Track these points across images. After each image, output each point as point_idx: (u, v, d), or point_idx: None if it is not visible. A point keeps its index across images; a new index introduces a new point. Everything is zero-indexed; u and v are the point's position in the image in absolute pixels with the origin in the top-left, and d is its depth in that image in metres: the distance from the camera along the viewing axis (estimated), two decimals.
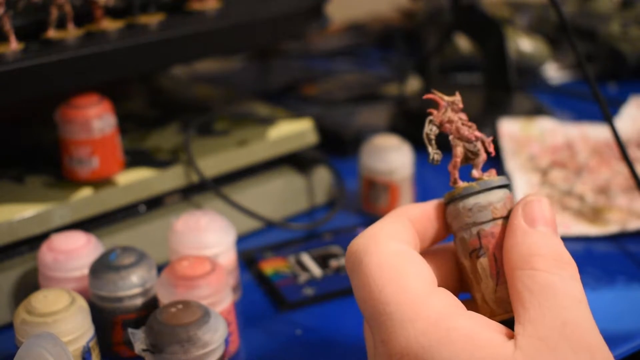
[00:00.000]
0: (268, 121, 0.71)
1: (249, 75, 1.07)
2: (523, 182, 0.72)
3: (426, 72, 0.90)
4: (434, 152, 0.44)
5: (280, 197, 0.69)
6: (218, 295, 0.50)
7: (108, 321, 0.52)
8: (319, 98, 0.97)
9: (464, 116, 0.44)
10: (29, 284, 0.56)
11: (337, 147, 0.80)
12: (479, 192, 0.41)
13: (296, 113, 0.73)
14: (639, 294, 0.59)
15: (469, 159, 0.44)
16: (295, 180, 0.70)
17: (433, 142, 0.44)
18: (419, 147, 0.76)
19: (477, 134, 0.43)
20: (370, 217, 0.70)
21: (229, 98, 0.79)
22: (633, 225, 0.65)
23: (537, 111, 0.86)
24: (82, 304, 0.48)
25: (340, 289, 0.59)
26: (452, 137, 0.44)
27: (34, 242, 0.57)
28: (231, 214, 0.62)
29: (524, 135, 0.80)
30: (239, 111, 0.74)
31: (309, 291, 0.59)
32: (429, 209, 0.43)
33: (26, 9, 0.56)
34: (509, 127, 0.81)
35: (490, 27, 0.84)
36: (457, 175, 0.43)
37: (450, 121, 0.44)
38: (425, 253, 0.42)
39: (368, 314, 0.38)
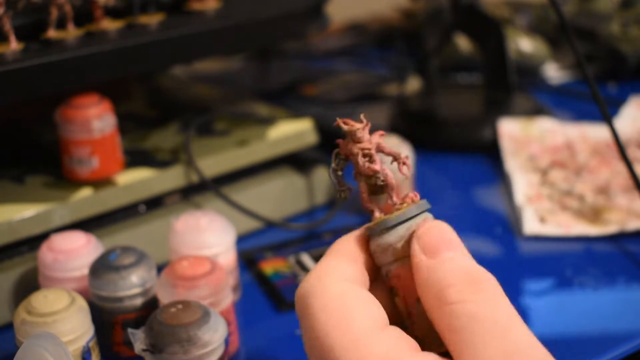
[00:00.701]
0: (268, 121, 0.71)
1: (249, 75, 1.07)
2: (523, 182, 0.72)
3: (426, 72, 0.90)
4: (340, 190, 0.41)
5: (280, 197, 0.69)
6: (218, 295, 0.50)
7: (108, 321, 0.52)
8: (319, 98, 0.97)
9: (368, 144, 0.40)
10: (29, 284, 0.56)
11: (337, 147, 0.80)
12: (379, 233, 0.38)
13: (296, 113, 0.73)
14: (639, 294, 0.59)
15: (376, 192, 0.40)
16: (295, 180, 0.70)
17: (341, 177, 0.41)
18: (419, 147, 0.76)
19: (374, 167, 0.40)
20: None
21: (229, 98, 0.79)
22: (633, 225, 0.65)
23: (537, 111, 0.86)
24: (82, 304, 0.48)
25: None
26: (354, 171, 0.40)
27: (34, 242, 0.57)
28: (231, 214, 0.62)
29: (524, 135, 0.80)
30: (239, 111, 0.74)
31: None
32: (365, 239, 0.40)
33: (26, 9, 0.56)
34: (509, 127, 0.81)
35: (490, 27, 0.84)
36: (370, 207, 0.40)
37: (351, 154, 0.40)
38: (376, 287, 0.39)
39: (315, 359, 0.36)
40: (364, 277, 0.38)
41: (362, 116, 0.40)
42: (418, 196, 0.39)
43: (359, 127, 0.40)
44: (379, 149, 0.40)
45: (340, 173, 0.41)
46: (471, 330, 0.34)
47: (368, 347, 0.34)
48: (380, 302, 0.37)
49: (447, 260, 0.36)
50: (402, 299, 0.38)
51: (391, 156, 0.40)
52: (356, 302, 0.36)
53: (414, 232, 0.38)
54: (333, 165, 0.41)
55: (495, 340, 0.33)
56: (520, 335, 0.34)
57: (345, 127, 0.40)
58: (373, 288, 0.39)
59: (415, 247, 0.37)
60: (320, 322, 0.36)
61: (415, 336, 0.37)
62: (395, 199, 0.39)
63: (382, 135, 0.40)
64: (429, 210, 0.39)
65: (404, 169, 0.40)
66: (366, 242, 0.39)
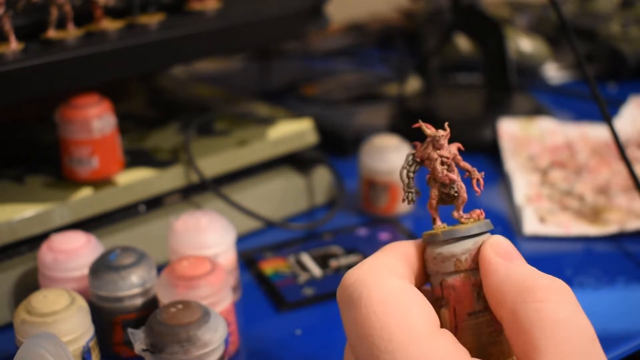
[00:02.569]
0: (268, 121, 0.71)
1: (249, 75, 1.07)
2: (523, 182, 0.72)
3: (426, 72, 0.90)
4: (408, 191, 0.40)
5: (280, 197, 0.69)
6: (218, 295, 0.50)
7: (108, 321, 0.52)
8: (319, 98, 0.97)
9: (447, 152, 0.40)
10: (29, 284, 0.56)
11: (337, 147, 0.80)
12: (443, 242, 0.38)
13: (296, 113, 0.73)
14: (639, 294, 0.59)
15: (446, 201, 0.40)
16: (295, 180, 0.70)
17: (410, 180, 0.40)
18: None
19: (452, 177, 0.40)
20: (370, 217, 0.70)
21: (229, 98, 0.79)
22: (633, 225, 0.65)
23: (537, 111, 0.86)
24: (82, 304, 0.48)
25: None
26: (428, 176, 0.40)
27: (34, 242, 0.57)
28: (231, 214, 0.62)
29: (524, 135, 0.80)
30: (239, 111, 0.74)
31: (308, 291, 0.59)
32: (419, 246, 0.40)
33: (26, 9, 0.56)
34: (509, 127, 0.81)
35: (490, 27, 0.84)
36: (435, 215, 0.40)
37: (429, 159, 0.40)
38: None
39: (364, 351, 0.35)
40: (411, 278, 0.38)
41: (446, 125, 0.40)
42: (484, 214, 0.40)
43: (443, 134, 0.40)
44: (456, 160, 0.41)
45: (412, 175, 0.41)
46: (558, 333, 0.33)
47: (426, 345, 0.34)
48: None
49: (523, 264, 0.37)
50: (451, 311, 0.38)
51: (466, 170, 0.41)
52: (413, 299, 0.36)
53: (480, 246, 0.38)
54: (405, 166, 0.41)
55: (581, 350, 0.33)
56: (600, 353, 0.34)
57: (428, 132, 0.40)
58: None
59: (490, 253, 0.37)
60: (378, 312, 0.35)
61: None
62: (462, 212, 0.40)
63: (459, 147, 0.41)
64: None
65: (477, 185, 0.40)
66: (420, 249, 0.39)
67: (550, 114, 0.86)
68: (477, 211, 0.40)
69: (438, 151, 0.40)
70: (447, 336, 0.35)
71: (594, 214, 0.67)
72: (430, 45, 0.89)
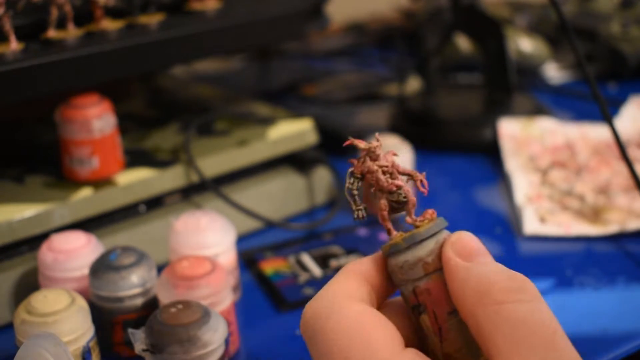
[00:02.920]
0: (268, 121, 0.71)
1: (249, 75, 1.07)
2: (523, 182, 0.72)
3: (426, 72, 0.90)
4: (357, 209, 0.41)
5: (280, 197, 0.69)
6: (218, 295, 0.50)
7: (108, 321, 0.52)
8: (319, 98, 0.97)
9: (385, 161, 0.40)
10: (29, 284, 0.56)
11: (337, 147, 0.80)
12: (406, 248, 0.38)
13: (296, 113, 0.73)
14: (639, 294, 0.59)
15: (396, 209, 0.40)
16: (295, 180, 0.70)
17: (356, 197, 0.41)
18: (419, 147, 0.76)
19: (398, 183, 0.40)
20: (370, 217, 0.70)
21: (229, 98, 0.79)
22: (633, 225, 0.65)
23: (537, 111, 0.86)
24: (82, 304, 0.48)
25: None
26: (373, 189, 0.40)
27: (34, 242, 0.57)
28: (231, 214, 0.62)
29: (524, 135, 0.80)
30: (239, 111, 0.74)
31: (309, 291, 0.59)
32: (378, 261, 0.39)
33: (26, 9, 0.56)
34: (509, 127, 0.81)
35: (490, 27, 0.84)
36: (389, 226, 0.40)
37: (370, 171, 0.40)
38: (381, 309, 0.38)
39: None
40: (372, 299, 0.38)
41: (376, 135, 0.41)
42: (435, 213, 0.39)
43: (377, 145, 0.40)
44: (395, 167, 0.41)
45: (356, 192, 0.41)
46: (516, 333, 0.33)
47: None
48: (396, 324, 0.36)
49: (484, 263, 0.36)
50: (431, 315, 0.37)
51: (407, 174, 0.41)
52: (374, 323, 0.35)
53: (443, 244, 0.37)
54: (348, 184, 0.41)
55: (541, 346, 0.33)
56: (564, 345, 0.33)
57: (362, 146, 0.40)
58: (383, 312, 0.38)
59: (449, 253, 0.36)
60: (339, 343, 0.35)
61: (445, 353, 0.36)
62: (414, 216, 0.39)
63: (394, 154, 0.41)
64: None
65: (422, 186, 0.40)
66: (379, 265, 0.39)
67: (550, 114, 0.86)
68: (429, 211, 0.39)
69: (376, 162, 0.41)
70: (413, 354, 0.35)
71: (595, 214, 0.67)
72: (430, 45, 0.89)
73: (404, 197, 0.40)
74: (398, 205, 0.40)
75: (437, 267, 0.37)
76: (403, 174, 0.41)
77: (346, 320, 0.35)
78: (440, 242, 0.38)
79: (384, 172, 0.40)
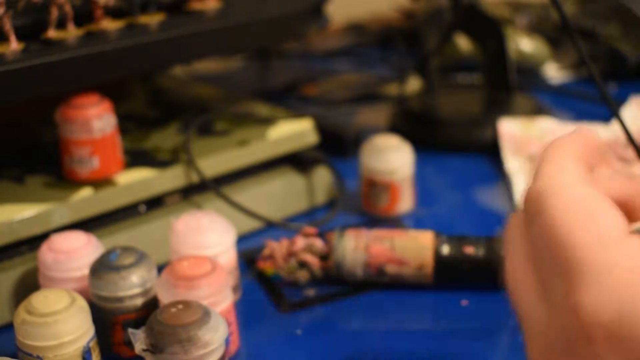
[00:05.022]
0: (268, 121, 0.71)
1: (249, 75, 1.07)
2: (523, 182, 0.72)
3: (426, 72, 0.90)
4: (301, 276, 0.60)
5: (280, 197, 0.69)
6: (218, 295, 0.50)
7: (108, 321, 0.52)
8: (319, 98, 0.97)
9: (301, 242, 0.60)
10: (29, 284, 0.56)
11: (337, 147, 0.80)
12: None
13: (296, 113, 0.73)
14: None
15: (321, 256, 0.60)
16: (295, 180, 0.70)
17: (299, 269, 0.59)
18: (419, 147, 0.76)
19: (307, 253, 0.60)
20: (370, 217, 0.70)
21: (229, 98, 0.79)
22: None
23: (537, 111, 0.86)
24: (82, 304, 0.48)
25: (341, 290, 0.59)
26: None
27: (34, 242, 0.57)
28: (231, 214, 0.62)
29: (524, 135, 0.80)
30: (239, 111, 0.74)
31: (310, 292, 0.59)
32: (587, 137, 0.38)
33: (26, 9, 0.56)
34: (509, 127, 0.81)
35: (490, 27, 0.84)
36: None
37: (309, 249, 0.60)
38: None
39: (549, 264, 0.34)
40: (589, 179, 0.37)
41: (267, 241, 0.59)
42: None
43: (285, 245, 0.60)
44: (292, 245, 0.61)
45: (296, 270, 0.60)
46: None
47: (616, 249, 0.32)
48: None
49: None
50: None
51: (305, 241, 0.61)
52: (602, 206, 0.34)
53: None
54: (288, 271, 0.60)
55: None
56: None
57: (280, 261, 0.60)
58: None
59: None
60: (563, 220, 0.34)
61: None
62: None
63: (295, 239, 0.61)
64: None
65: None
66: (590, 141, 0.38)
67: (550, 114, 0.86)
68: None
69: (300, 245, 0.59)
70: (638, 240, 0.33)
71: None
72: (430, 45, 0.89)
73: (319, 246, 0.59)
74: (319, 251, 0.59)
75: None
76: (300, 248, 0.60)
77: (572, 198, 0.35)
78: None
79: (293, 254, 0.60)
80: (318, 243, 0.59)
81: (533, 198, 0.36)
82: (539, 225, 0.35)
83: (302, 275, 0.59)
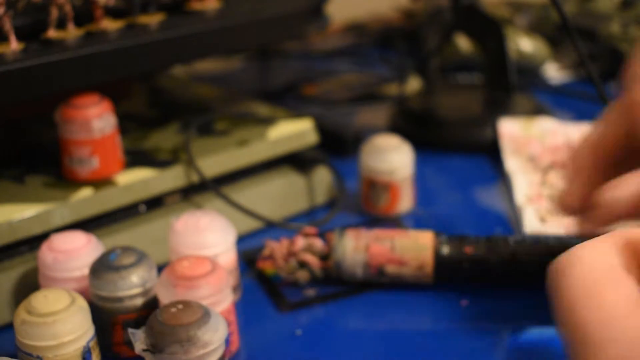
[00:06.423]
0: (268, 121, 0.71)
1: (249, 75, 1.07)
2: (523, 182, 0.72)
3: (426, 72, 0.90)
4: (302, 276, 0.59)
5: (280, 197, 0.69)
6: (218, 295, 0.50)
7: (108, 321, 0.52)
8: (319, 98, 0.97)
9: (302, 241, 0.60)
10: (29, 284, 0.56)
11: (337, 147, 0.80)
12: None
13: (296, 113, 0.73)
14: None
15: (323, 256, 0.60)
16: (295, 180, 0.70)
17: (300, 268, 0.58)
18: (419, 147, 0.76)
19: (308, 253, 0.59)
20: (370, 217, 0.70)
21: (229, 98, 0.79)
22: (634, 224, 0.65)
23: (537, 111, 0.86)
24: (82, 304, 0.48)
25: (341, 290, 0.59)
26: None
27: (34, 242, 0.57)
28: (231, 214, 0.62)
29: (524, 135, 0.80)
30: (239, 111, 0.74)
31: (310, 292, 0.59)
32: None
33: (26, 9, 0.56)
34: (509, 127, 0.81)
35: (490, 27, 0.84)
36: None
37: (309, 248, 0.59)
38: None
39: (566, 338, 0.34)
40: (629, 262, 0.36)
41: (266, 241, 0.58)
42: None
43: (285, 245, 0.59)
44: (293, 244, 0.60)
45: (297, 270, 0.59)
46: None
47: (620, 324, 0.32)
48: None
49: None
50: None
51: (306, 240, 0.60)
52: (609, 278, 0.35)
53: None
54: (287, 271, 0.60)
55: None
56: None
57: (278, 255, 0.59)
58: None
59: None
60: (570, 296, 0.34)
61: None
62: None
63: (294, 239, 0.60)
64: None
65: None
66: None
67: (550, 114, 0.86)
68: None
69: (300, 245, 0.58)
70: None
71: None
72: (430, 45, 0.89)
73: (319, 246, 0.59)
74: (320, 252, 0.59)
75: None
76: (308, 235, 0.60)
77: (581, 273, 0.35)
78: None
79: (308, 249, 0.59)
80: (318, 243, 0.59)
81: (551, 272, 0.37)
82: (554, 301, 0.36)
83: (302, 276, 0.59)
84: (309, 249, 0.59)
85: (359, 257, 0.58)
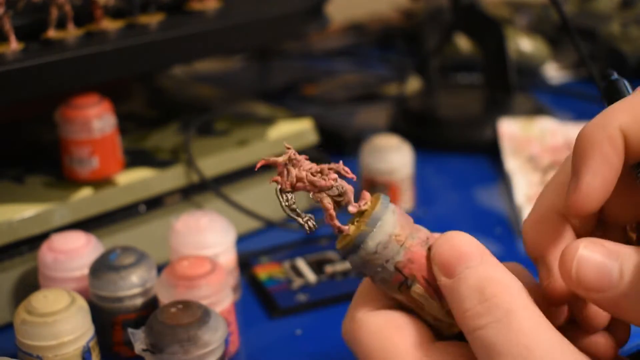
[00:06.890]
0: (268, 121, 0.71)
1: (249, 75, 1.07)
2: (523, 182, 0.72)
3: (426, 72, 0.90)
4: (305, 220, 0.39)
5: None
6: (218, 295, 0.50)
7: (108, 321, 0.52)
8: (319, 98, 0.97)
9: (308, 164, 0.39)
10: (29, 284, 0.56)
11: (337, 147, 0.80)
12: (372, 231, 0.37)
13: (296, 113, 0.73)
14: None
15: (340, 202, 0.39)
16: None
17: (297, 210, 0.39)
18: (419, 147, 0.76)
19: (332, 176, 0.39)
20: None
21: (229, 98, 0.79)
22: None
23: (537, 111, 0.86)
24: (82, 304, 0.48)
25: (334, 295, 0.59)
26: (312, 194, 0.39)
27: (34, 242, 0.57)
28: (231, 214, 0.62)
29: (524, 135, 0.80)
30: (239, 111, 0.74)
31: (302, 297, 0.59)
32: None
33: (26, 9, 0.56)
34: (509, 127, 0.81)
35: (490, 27, 0.84)
36: (338, 224, 0.39)
37: (300, 179, 0.39)
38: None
39: None
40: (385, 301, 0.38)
41: (285, 143, 0.39)
42: (367, 193, 0.39)
43: (292, 151, 0.39)
44: (319, 165, 0.40)
45: (294, 206, 0.39)
46: (490, 357, 0.33)
47: None
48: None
49: (461, 279, 0.35)
50: (422, 281, 0.36)
51: (329, 169, 0.40)
52: (394, 326, 0.36)
53: (397, 209, 0.37)
54: (284, 203, 0.39)
55: None
56: (543, 351, 0.32)
57: (280, 159, 0.39)
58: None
59: (435, 269, 0.36)
60: (365, 357, 0.36)
61: (448, 310, 0.36)
62: (354, 202, 0.39)
63: (307, 158, 0.40)
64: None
65: (347, 173, 0.40)
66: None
67: (550, 114, 0.86)
68: (364, 193, 0.39)
69: (301, 168, 0.39)
70: (442, 348, 0.35)
71: None
72: (430, 45, 0.89)
73: (342, 188, 0.39)
74: (339, 198, 0.39)
75: (406, 233, 0.37)
76: (330, 169, 0.40)
77: (365, 333, 0.36)
78: (396, 212, 0.37)
79: (313, 174, 0.39)
80: (348, 189, 0.40)
81: (343, 337, 0.38)
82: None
83: (307, 221, 0.41)
84: (332, 190, 0.40)
85: (392, 251, 0.37)
